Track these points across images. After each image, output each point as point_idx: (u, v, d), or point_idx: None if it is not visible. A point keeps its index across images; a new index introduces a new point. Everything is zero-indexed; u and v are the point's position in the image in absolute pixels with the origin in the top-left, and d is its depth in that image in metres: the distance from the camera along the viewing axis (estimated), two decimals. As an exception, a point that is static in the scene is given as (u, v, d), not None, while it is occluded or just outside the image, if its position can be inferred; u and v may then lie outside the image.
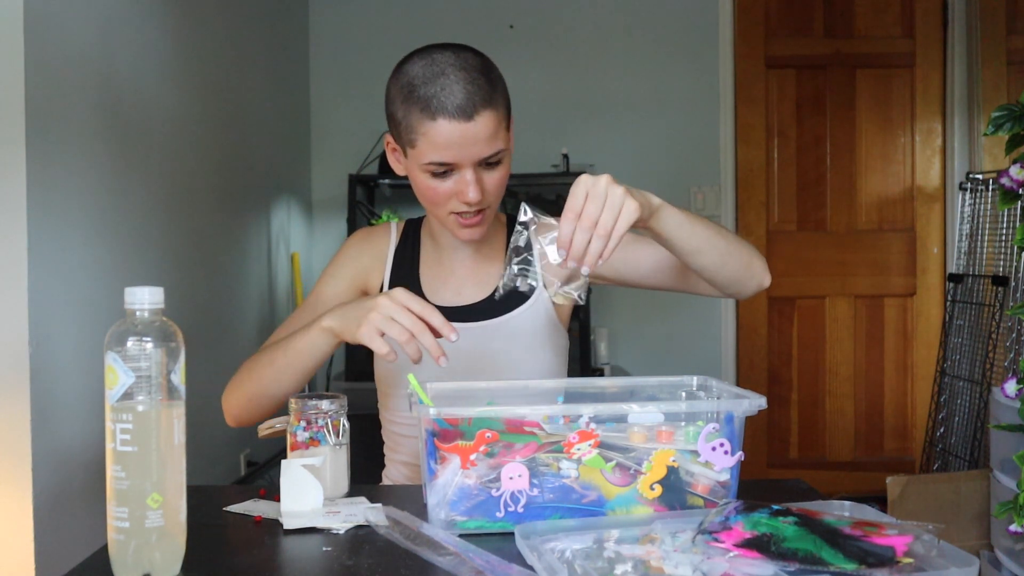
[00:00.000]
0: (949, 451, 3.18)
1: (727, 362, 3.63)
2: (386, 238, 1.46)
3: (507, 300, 1.36)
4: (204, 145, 2.47)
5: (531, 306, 1.38)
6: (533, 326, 1.38)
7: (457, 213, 1.28)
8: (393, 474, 1.44)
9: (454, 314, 1.37)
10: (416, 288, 1.40)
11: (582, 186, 1.03)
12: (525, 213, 1.08)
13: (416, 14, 3.61)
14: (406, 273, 1.42)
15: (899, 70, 3.58)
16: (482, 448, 0.95)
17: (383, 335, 1.09)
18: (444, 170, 1.23)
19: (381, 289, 1.42)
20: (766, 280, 1.27)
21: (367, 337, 1.09)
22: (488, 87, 1.21)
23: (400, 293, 1.11)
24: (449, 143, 1.20)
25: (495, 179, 1.27)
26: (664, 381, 1.17)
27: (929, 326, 3.59)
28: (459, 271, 1.42)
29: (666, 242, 1.16)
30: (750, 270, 1.24)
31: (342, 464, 1.12)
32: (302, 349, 1.19)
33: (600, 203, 1.02)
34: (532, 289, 1.22)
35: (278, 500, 1.06)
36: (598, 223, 1.02)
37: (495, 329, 1.37)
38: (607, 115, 3.61)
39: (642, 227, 1.12)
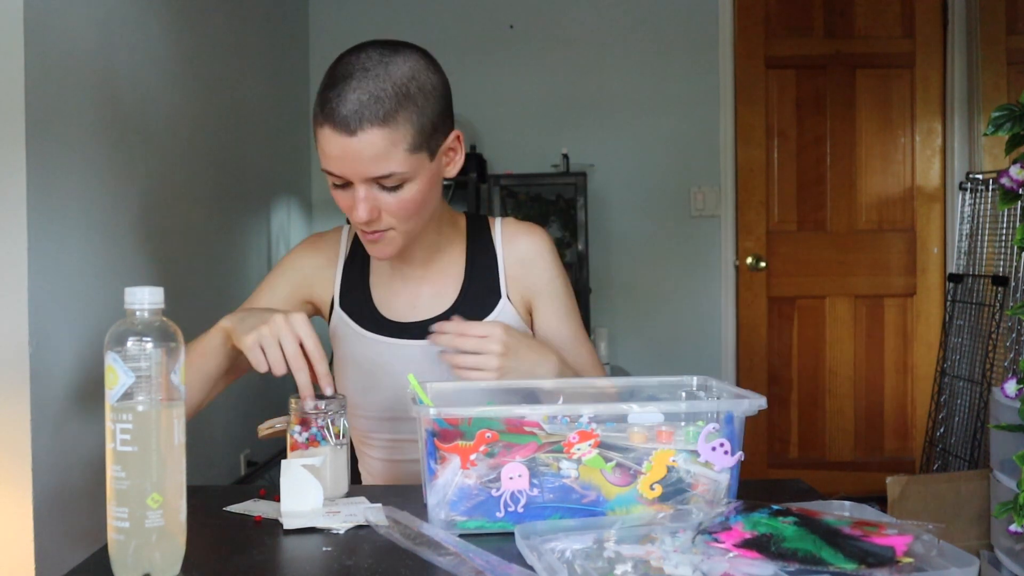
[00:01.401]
0: (949, 451, 3.18)
1: (727, 362, 3.63)
2: (335, 246, 1.39)
3: (467, 314, 1.29)
4: (204, 145, 2.47)
5: (495, 319, 1.30)
6: None
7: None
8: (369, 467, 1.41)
9: (409, 331, 1.30)
10: (367, 303, 1.34)
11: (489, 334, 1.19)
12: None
13: (416, 14, 3.61)
14: (356, 285, 1.35)
15: (899, 70, 3.58)
16: (482, 448, 0.95)
17: (264, 350, 1.10)
18: (338, 181, 1.16)
19: (332, 304, 1.36)
20: None
21: (248, 347, 1.10)
22: (390, 104, 1.11)
23: (299, 322, 1.10)
24: (331, 154, 1.13)
25: (394, 203, 1.16)
26: (664, 381, 1.17)
27: (929, 326, 3.59)
28: (411, 282, 1.34)
29: None
30: None
31: (342, 464, 1.12)
32: (202, 349, 1.20)
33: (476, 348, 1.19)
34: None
35: (278, 500, 1.06)
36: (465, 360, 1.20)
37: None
38: (607, 115, 3.61)
39: None
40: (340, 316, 1.35)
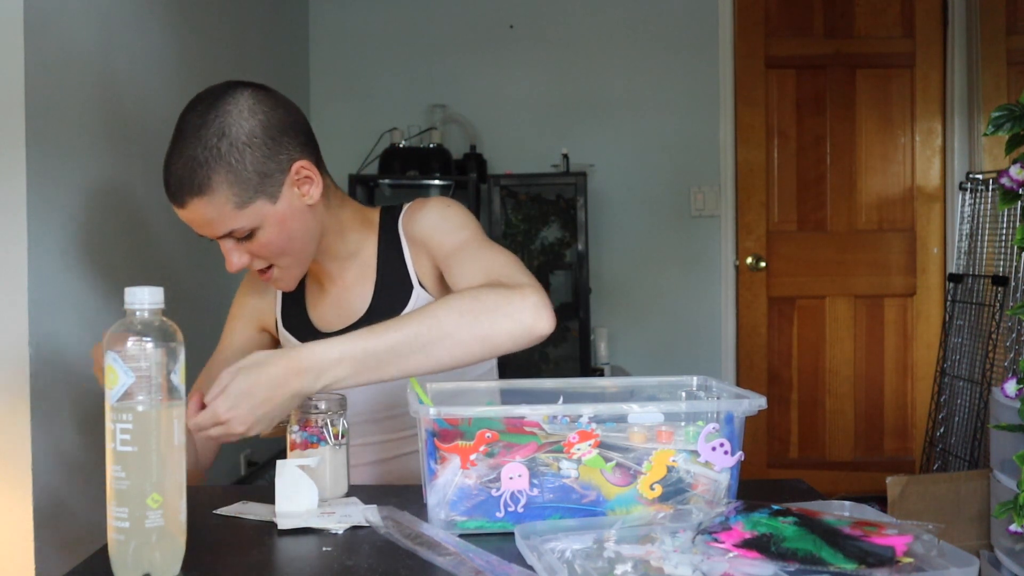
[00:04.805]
0: (949, 451, 3.18)
1: (727, 362, 3.63)
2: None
3: (383, 311, 1.25)
4: (204, 145, 2.47)
5: (412, 307, 1.28)
6: None
7: None
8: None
9: None
10: (304, 319, 1.37)
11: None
12: None
13: (416, 14, 3.61)
14: (294, 305, 1.39)
15: (899, 70, 3.58)
16: (482, 448, 0.95)
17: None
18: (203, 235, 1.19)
19: (277, 326, 1.40)
20: (535, 329, 1.06)
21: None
22: (203, 173, 1.10)
23: None
24: (180, 217, 1.17)
25: (257, 247, 1.18)
26: (664, 381, 1.17)
27: (929, 326, 3.59)
28: (332, 292, 1.35)
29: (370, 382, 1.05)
30: (489, 343, 1.05)
31: (341, 465, 1.12)
32: None
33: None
34: None
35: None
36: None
37: None
38: (607, 115, 3.61)
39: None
40: (285, 336, 1.39)
